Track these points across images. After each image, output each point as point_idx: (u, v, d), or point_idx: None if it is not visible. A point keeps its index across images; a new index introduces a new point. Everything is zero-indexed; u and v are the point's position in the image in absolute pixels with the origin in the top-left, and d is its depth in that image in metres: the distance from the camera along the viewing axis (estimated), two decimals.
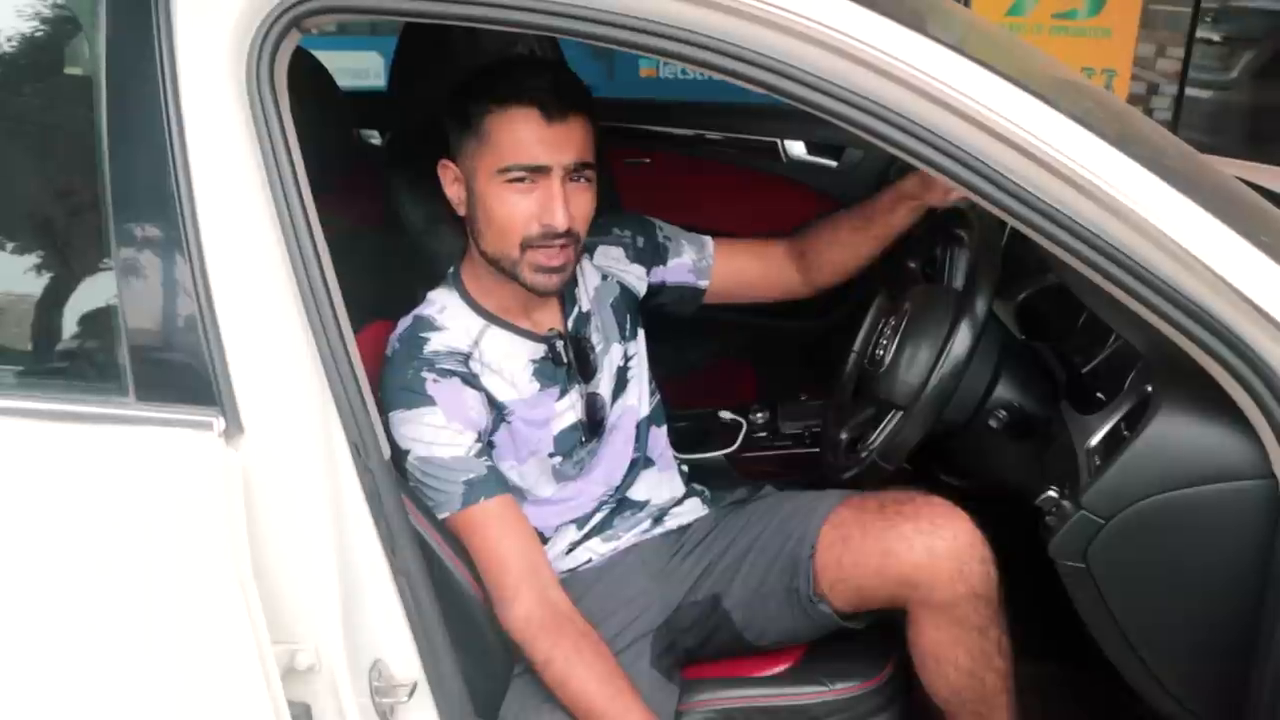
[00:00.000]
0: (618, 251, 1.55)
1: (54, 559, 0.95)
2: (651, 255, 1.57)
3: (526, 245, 1.30)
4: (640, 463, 1.53)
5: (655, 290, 1.59)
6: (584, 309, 1.48)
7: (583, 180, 1.31)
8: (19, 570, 0.96)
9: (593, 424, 1.45)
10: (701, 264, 1.59)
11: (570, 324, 1.45)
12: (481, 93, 1.28)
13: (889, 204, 1.49)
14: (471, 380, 1.33)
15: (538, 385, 1.39)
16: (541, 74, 1.28)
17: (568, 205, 1.28)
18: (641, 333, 1.57)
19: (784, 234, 1.63)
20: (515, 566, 1.28)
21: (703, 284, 1.60)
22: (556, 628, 1.26)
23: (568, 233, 1.29)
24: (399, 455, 1.27)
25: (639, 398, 1.54)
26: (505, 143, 1.26)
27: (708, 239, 1.62)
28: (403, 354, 1.33)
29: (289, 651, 0.97)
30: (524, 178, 1.27)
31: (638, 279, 1.57)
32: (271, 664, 0.94)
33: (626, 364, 1.52)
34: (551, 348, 1.42)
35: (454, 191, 1.35)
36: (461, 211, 1.35)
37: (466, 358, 1.35)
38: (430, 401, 1.29)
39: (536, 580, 1.28)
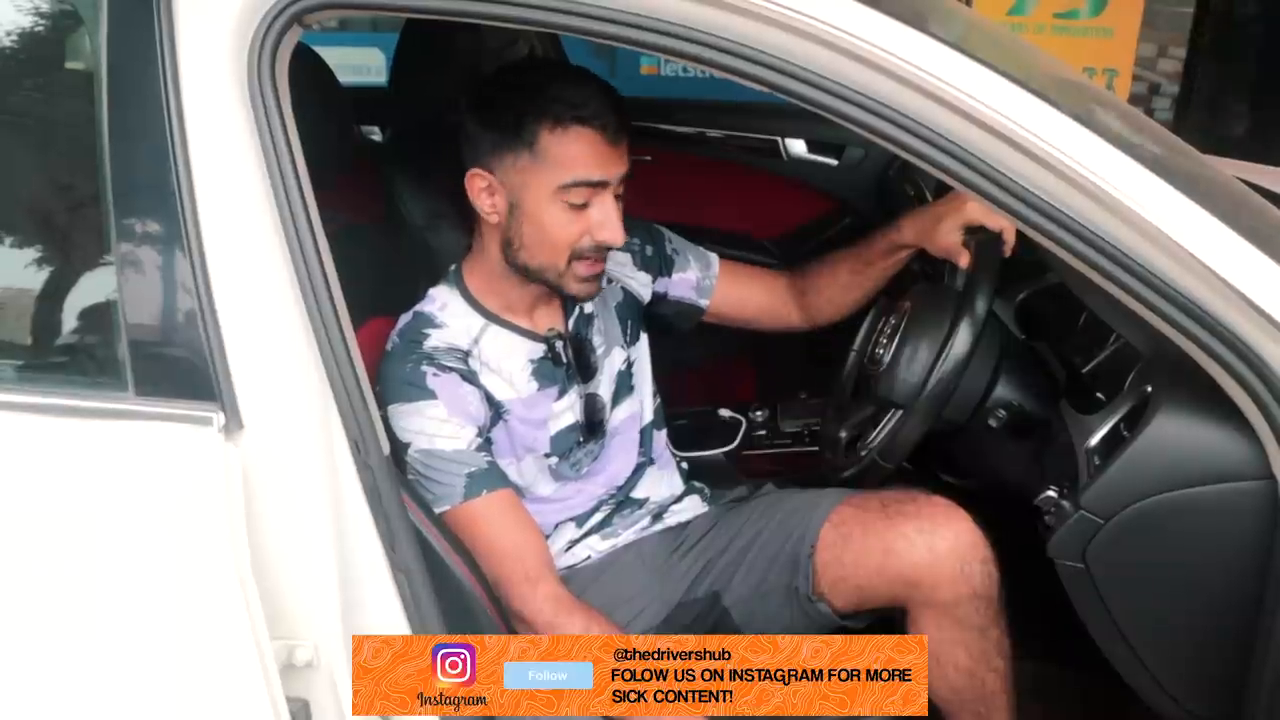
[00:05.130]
0: (624, 256, 1.54)
1: (53, 554, 0.95)
2: (658, 265, 1.58)
3: (575, 257, 1.30)
4: (644, 466, 1.54)
5: (657, 300, 1.59)
6: (586, 310, 1.48)
7: (621, 190, 1.32)
8: (18, 565, 0.96)
9: (591, 425, 1.45)
10: (705, 282, 1.60)
11: (571, 324, 1.45)
12: (539, 109, 1.24)
13: (885, 249, 1.52)
14: (470, 377, 1.33)
15: (536, 385, 1.39)
16: (600, 94, 1.26)
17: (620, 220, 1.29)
18: (644, 338, 1.57)
19: (786, 270, 1.65)
20: (530, 553, 1.29)
21: (703, 302, 1.61)
22: (580, 611, 1.27)
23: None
24: (398, 449, 1.27)
25: (642, 403, 1.54)
26: (566, 159, 1.25)
27: (714, 258, 1.63)
28: (403, 348, 1.33)
29: (288, 647, 0.97)
30: (583, 200, 1.27)
31: (642, 285, 1.57)
32: (270, 660, 0.94)
33: (628, 369, 1.52)
34: (551, 347, 1.42)
35: (487, 202, 1.32)
36: (494, 221, 1.33)
37: (466, 355, 1.35)
38: (432, 395, 1.29)
39: (551, 568, 1.31)
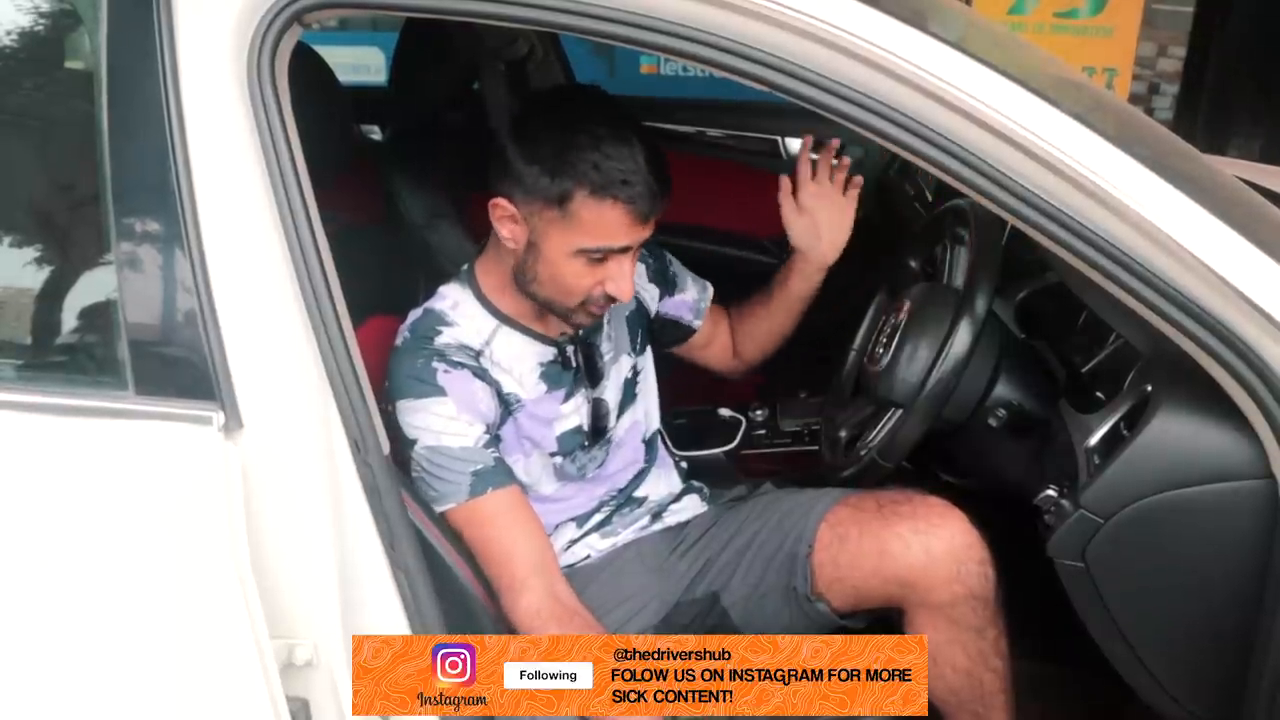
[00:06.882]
0: (639, 267, 1.53)
1: (53, 553, 0.95)
2: (663, 281, 1.59)
3: (586, 303, 1.31)
4: (645, 471, 1.54)
5: (656, 316, 1.60)
6: None
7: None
8: (18, 564, 0.96)
9: (596, 430, 1.45)
10: (700, 305, 1.62)
11: (581, 329, 1.45)
12: (580, 171, 1.21)
13: (784, 271, 1.56)
14: (481, 374, 1.33)
15: (545, 387, 1.39)
16: (646, 169, 1.24)
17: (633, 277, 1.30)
18: (650, 349, 1.58)
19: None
20: (523, 559, 1.27)
21: (696, 324, 1.63)
22: (567, 620, 1.25)
23: None
24: (404, 445, 1.27)
25: (646, 412, 1.55)
26: (595, 228, 1.24)
27: (708, 284, 1.65)
28: (413, 343, 1.33)
29: (287, 647, 0.97)
30: (603, 257, 1.26)
31: (651, 298, 1.58)
32: (270, 659, 0.94)
33: (635, 377, 1.52)
34: (561, 352, 1.42)
35: (506, 229, 1.30)
36: (512, 247, 1.31)
37: (477, 354, 1.34)
38: (441, 392, 1.28)
39: (544, 573, 1.28)
